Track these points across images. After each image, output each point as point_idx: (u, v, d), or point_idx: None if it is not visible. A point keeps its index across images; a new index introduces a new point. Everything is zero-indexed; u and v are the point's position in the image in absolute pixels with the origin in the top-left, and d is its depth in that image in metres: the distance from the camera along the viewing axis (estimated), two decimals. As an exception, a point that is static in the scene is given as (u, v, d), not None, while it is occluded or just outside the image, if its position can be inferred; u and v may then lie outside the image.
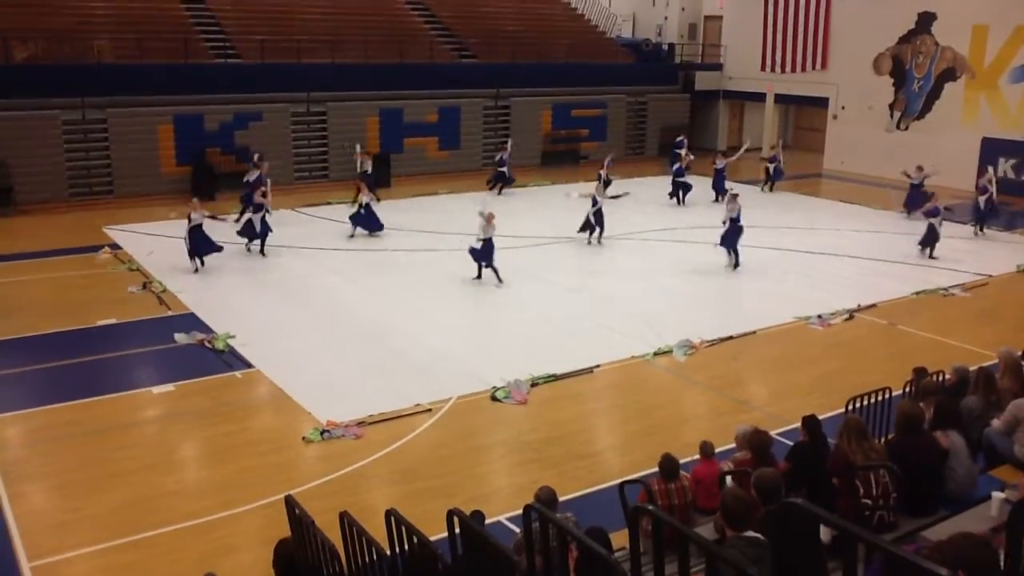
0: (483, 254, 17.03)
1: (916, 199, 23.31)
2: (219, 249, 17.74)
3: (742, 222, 18.27)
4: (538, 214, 23.97)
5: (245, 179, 20.71)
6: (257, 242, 18.92)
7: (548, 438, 10.92)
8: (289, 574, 5.85)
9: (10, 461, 10.08)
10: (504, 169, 26.29)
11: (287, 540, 5.93)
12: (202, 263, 17.60)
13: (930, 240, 19.69)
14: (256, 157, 21.73)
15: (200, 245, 17.48)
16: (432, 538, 5.40)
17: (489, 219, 16.89)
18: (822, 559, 5.17)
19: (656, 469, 7.61)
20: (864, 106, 32.08)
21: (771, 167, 28.16)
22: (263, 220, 18.77)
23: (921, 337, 14.90)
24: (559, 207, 24.95)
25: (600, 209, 20.12)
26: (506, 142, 27.38)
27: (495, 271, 17.05)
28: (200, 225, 17.41)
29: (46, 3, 25.66)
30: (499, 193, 26.05)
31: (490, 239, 16.92)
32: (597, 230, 20.37)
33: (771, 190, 28.00)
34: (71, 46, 24.68)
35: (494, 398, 11.99)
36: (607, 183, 22.50)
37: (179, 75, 25.34)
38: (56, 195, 23.76)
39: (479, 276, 17.17)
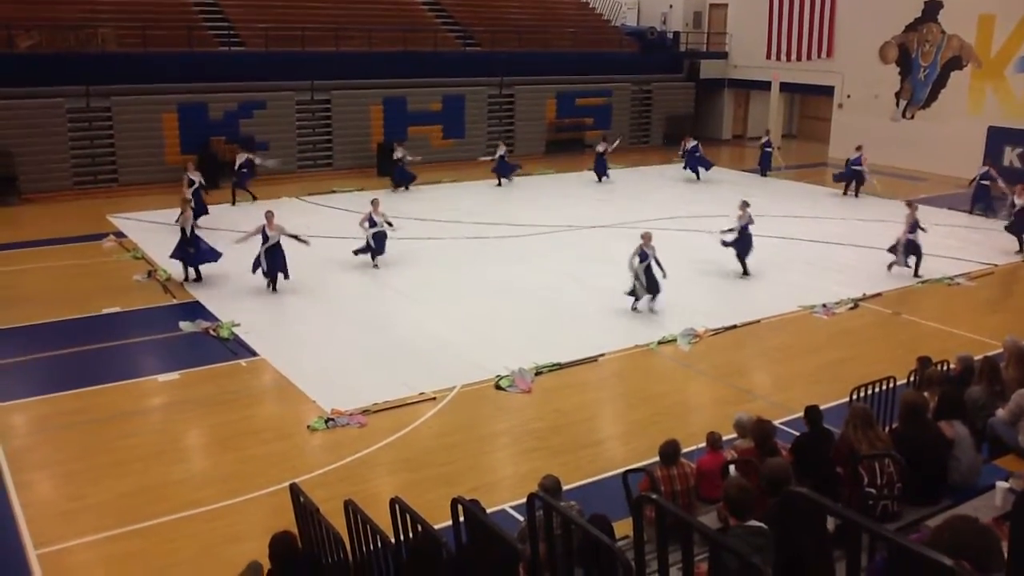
0: (739, 244, 16.77)
1: (855, 178, 25.40)
2: (215, 257, 16.43)
3: (751, 232, 17.06)
4: (541, 202, 23.96)
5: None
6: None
7: (552, 427, 10.93)
8: (284, 568, 5.86)
9: (16, 449, 10.12)
10: (403, 166, 25.09)
11: (281, 535, 5.94)
12: (198, 275, 16.41)
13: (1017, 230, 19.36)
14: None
15: (187, 252, 16.25)
16: (436, 526, 5.42)
17: (743, 207, 16.68)
18: (827, 548, 5.17)
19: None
20: (870, 95, 31.94)
21: (768, 151, 28.43)
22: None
23: (926, 326, 14.88)
24: (562, 195, 24.95)
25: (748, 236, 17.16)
26: (401, 140, 26.19)
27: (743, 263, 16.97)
28: (193, 228, 16.39)
29: (50, -9, 25.69)
30: (398, 189, 25.08)
31: (745, 227, 16.65)
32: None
33: (763, 175, 28.27)
34: (75, 35, 24.65)
35: (498, 387, 12.00)
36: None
37: (183, 63, 25.31)
38: (61, 184, 23.80)
39: (745, 272, 16.78)
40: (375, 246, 17.37)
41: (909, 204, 17.78)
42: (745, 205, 17.07)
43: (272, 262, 15.75)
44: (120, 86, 24.60)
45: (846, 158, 26.18)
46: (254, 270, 15.83)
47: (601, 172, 27.09)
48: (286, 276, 15.95)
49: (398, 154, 25.10)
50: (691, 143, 28.78)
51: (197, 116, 25.50)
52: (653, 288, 14.93)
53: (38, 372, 12.46)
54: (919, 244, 17.41)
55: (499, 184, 26.24)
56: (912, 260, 17.40)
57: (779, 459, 6.31)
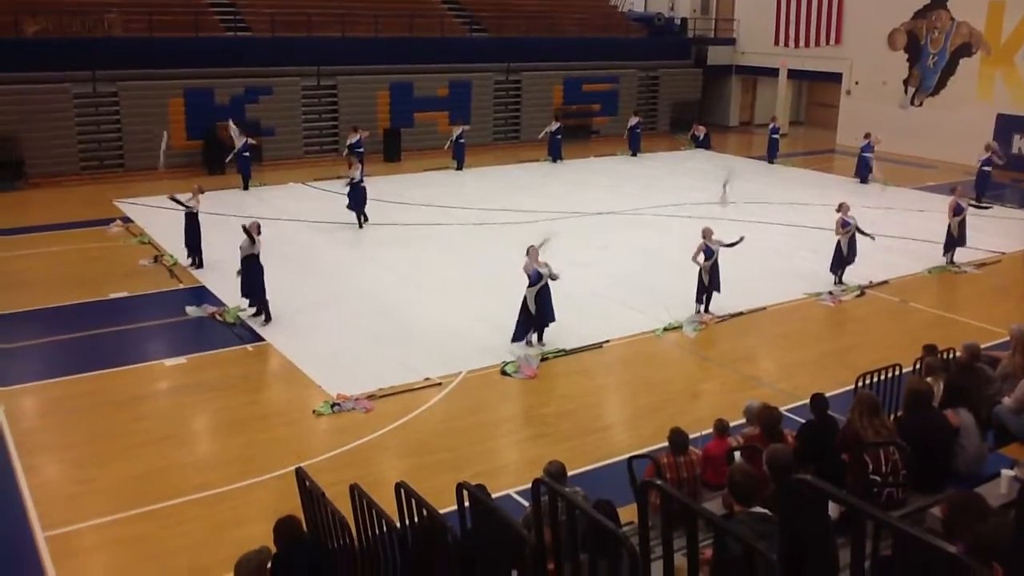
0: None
1: (865, 167, 25.33)
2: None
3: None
4: (547, 189, 23.91)
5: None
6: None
7: (557, 412, 10.96)
8: (290, 552, 5.89)
9: (24, 432, 10.17)
10: (361, 150, 23.68)
11: (286, 519, 5.96)
12: (199, 261, 16.38)
13: None
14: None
15: (193, 238, 16.37)
16: (442, 511, 5.43)
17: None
18: (831, 535, 5.17)
19: (665, 444, 7.62)
20: (878, 82, 31.76)
21: (775, 138, 28.48)
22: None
23: (932, 314, 14.85)
24: (568, 182, 24.90)
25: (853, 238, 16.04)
26: (356, 127, 24.68)
27: None
28: (196, 214, 16.26)
29: (56, -25, 25.63)
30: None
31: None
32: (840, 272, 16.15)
33: (771, 162, 28.27)
34: (82, 20, 24.63)
35: (504, 372, 12.02)
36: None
37: (190, 48, 25.26)
38: (67, 168, 23.84)
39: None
40: (544, 313, 12.87)
41: (953, 189, 17.79)
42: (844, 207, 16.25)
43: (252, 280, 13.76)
44: (126, 71, 24.56)
45: (859, 147, 25.82)
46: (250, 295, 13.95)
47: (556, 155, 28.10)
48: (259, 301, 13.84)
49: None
50: (701, 130, 28.85)
51: (203, 101, 25.47)
52: (715, 285, 14.21)
53: (45, 356, 12.50)
54: (953, 233, 17.34)
55: (554, 162, 27.77)
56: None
57: (782, 445, 6.30)
